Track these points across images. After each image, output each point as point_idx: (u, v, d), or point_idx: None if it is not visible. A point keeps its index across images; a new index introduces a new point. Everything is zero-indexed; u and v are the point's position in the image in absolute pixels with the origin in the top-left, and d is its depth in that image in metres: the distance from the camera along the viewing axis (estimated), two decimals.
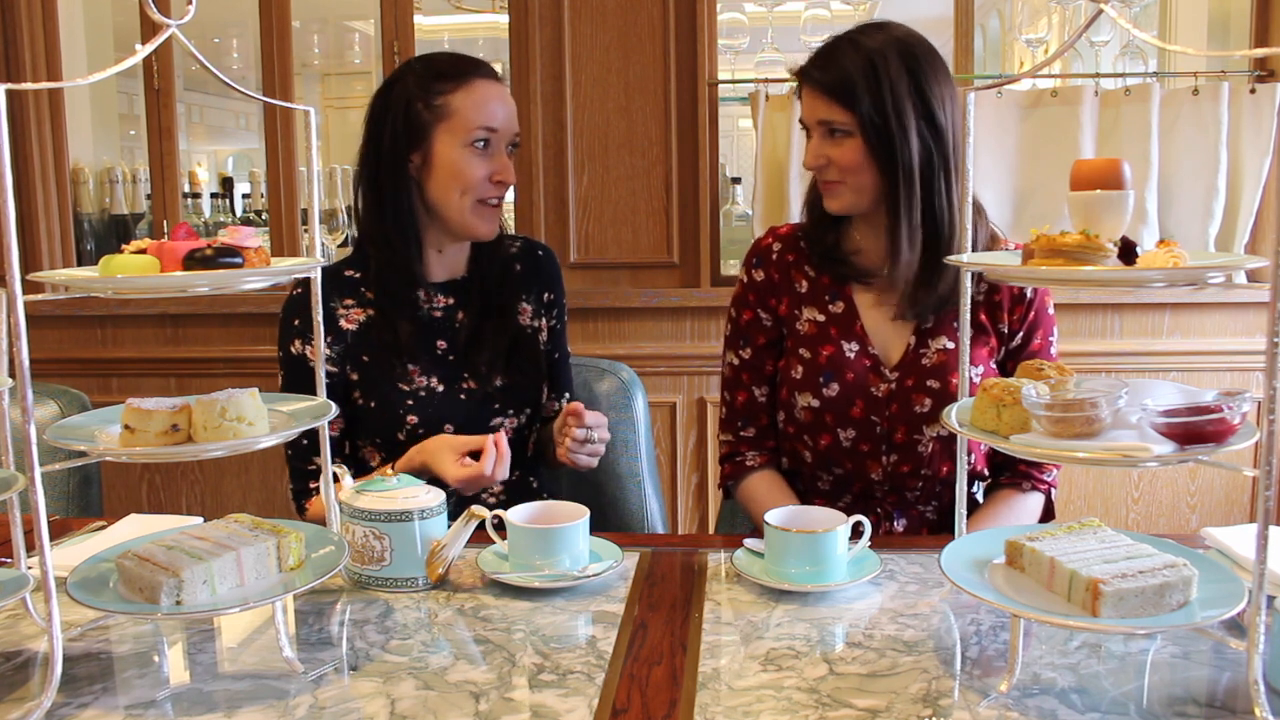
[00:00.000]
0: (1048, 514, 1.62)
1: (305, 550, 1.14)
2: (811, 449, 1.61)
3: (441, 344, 1.64)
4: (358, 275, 1.64)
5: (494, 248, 1.71)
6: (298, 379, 1.59)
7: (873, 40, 1.49)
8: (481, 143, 1.57)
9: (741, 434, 1.67)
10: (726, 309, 1.71)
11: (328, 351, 1.59)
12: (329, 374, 1.59)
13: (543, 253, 1.79)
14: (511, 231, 1.84)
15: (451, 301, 1.67)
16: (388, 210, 1.60)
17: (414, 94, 1.58)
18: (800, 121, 1.56)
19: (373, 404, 1.60)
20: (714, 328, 2.67)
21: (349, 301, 1.63)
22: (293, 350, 1.60)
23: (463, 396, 1.63)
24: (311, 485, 1.61)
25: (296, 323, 1.59)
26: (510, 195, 1.75)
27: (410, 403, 1.59)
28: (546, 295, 1.76)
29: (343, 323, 1.62)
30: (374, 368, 1.60)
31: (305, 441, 1.57)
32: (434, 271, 1.67)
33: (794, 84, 2.63)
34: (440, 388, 1.62)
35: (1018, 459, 1.58)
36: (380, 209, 1.61)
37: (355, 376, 1.61)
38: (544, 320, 1.76)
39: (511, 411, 1.67)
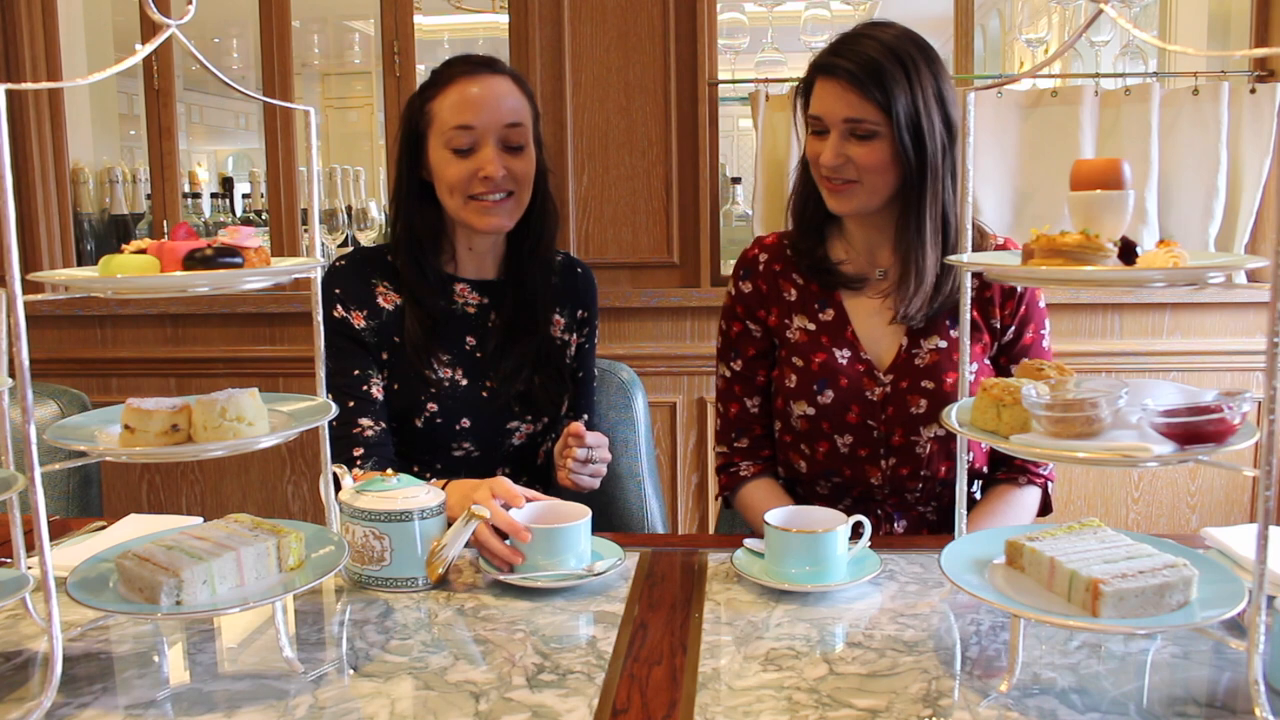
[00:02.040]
0: (1045, 508, 1.62)
1: (305, 550, 1.14)
2: (809, 457, 1.61)
3: (471, 340, 1.66)
4: (395, 262, 1.66)
5: (533, 253, 1.70)
6: (336, 343, 1.60)
7: (889, 36, 1.46)
8: (462, 144, 1.56)
9: (735, 445, 1.67)
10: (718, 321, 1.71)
11: (364, 323, 1.62)
12: (366, 343, 1.62)
13: (581, 270, 1.80)
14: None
15: (486, 301, 1.68)
16: (405, 220, 1.65)
17: (415, 106, 1.62)
18: (813, 117, 1.51)
19: (396, 386, 1.62)
20: (714, 328, 2.65)
21: (387, 283, 1.65)
22: (335, 315, 1.61)
23: (484, 395, 1.64)
24: (356, 452, 1.57)
25: (337, 291, 1.61)
26: None
27: (432, 390, 1.62)
28: (581, 313, 1.77)
29: (380, 300, 1.64)
30: (402, 350, 1.62)
31: (352, 404, 1.57)
32: (466, 267, 1.68)
33: (794, 83, 2.65)
34: (464, 382, 1.63)
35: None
36: (400, 219, 1.65)
37: (385, 356, 1.63)
38: (575, 336, 1.76)
39: (529, 418, 1.68)
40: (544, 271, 1.72)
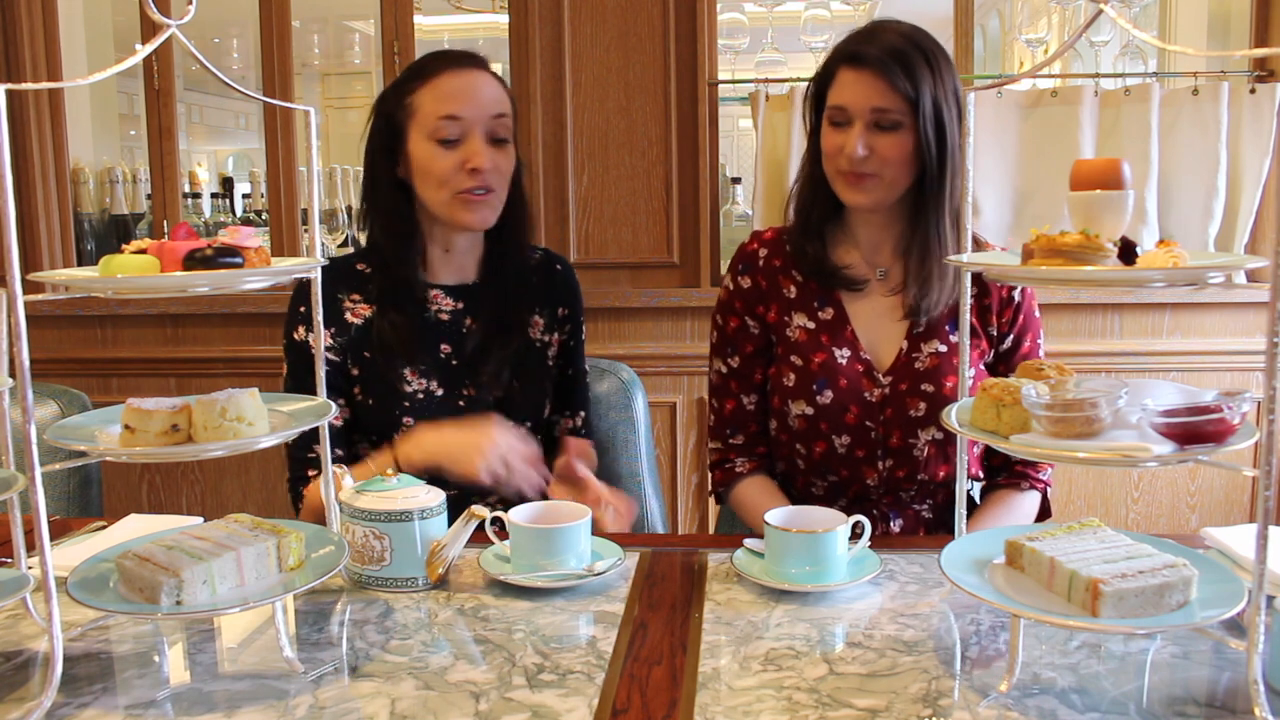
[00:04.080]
0: (1044, 512, 1.63)
1: (305, 550, 1.14)
2: (806, 456, 1.61)
3: (446, 348, 1.63)
4: (368, 270, 1.64)
5: (509, 254, 1.70)
6: (297, 367, 1.60)
7: (906, 29, 1.47)
8: (448, 134, 1.55)
9: (730, 441, 1.66)
10: (711, 315, 1.69)
11: (331, 342, 1.60)
12: (330, 363, 1.60)
13: (561, 267, 1.77)
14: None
15: (460, 306, 1.66)
16: (380, 220, 1.62)
17: (391, 100, 1.60)
18: (836, 108, 1.49)
19: (371, 401, 1.60)
20: None
21: (356, 296, 1.63)
22: (295, 337, 1.60)
23: (461, 403, 1.62)
24: (310, 473, 1.60)
25: (303, 309, 1.59)
26: None
27: (407, 404, 1.59)
28: (561, 310, 1.74)
29: (348, 315, 1.62)
30: (374, 365, 1.60)
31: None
32: (441, 273, 1.66)
33: (794, 83, 2.66)
34: (439, 392, 1.61)
35: (1014, 459, 1.58)
36: (375, 219, 1.63)
37: (356, 371, 1.61)
38: (555, 335, 1.74)
39: (511, 424, 1.66)
40: (520, 272, 1.70)
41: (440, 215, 1.60)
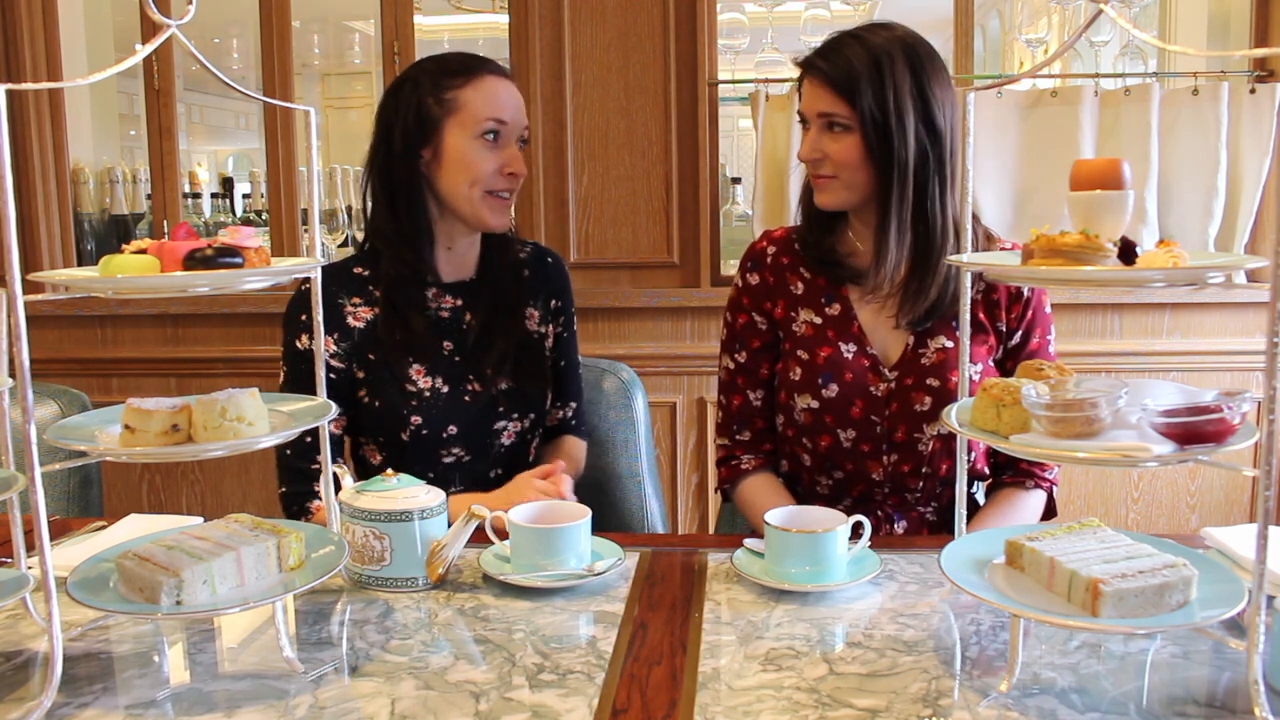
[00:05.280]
0: (1049, 511, 1.63)
1: (305, 550, 1.14)
2: (812, 451, 1.61)
3: (448, 345, 1.64)
4: (366, 273, 1.64)
5: (504, 250, 1.72)
6: (301, 374, 1.59)
7: (878, 38, 1.49)
8: (491, 135, 1.58)
9: (737, 437, 1.67)
10: (722, 312, 1.71)
11: (335, 348, 1.60)
12: (335, 370, 1.60)
13: (551, 260, 1.80)
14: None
15: (459, 303, 1.67)
16: (401, 206, 1.61)
17: (425, 90, 1.59)
18: (799, 113, 1.56)
19: (377, 403, 1.60)
20: (714, 328, 2.68)
21: (357, 299, 1.63)
22: (298, 345, 1.59)
23: (467, 399, 1.63)
24: (315, 487, 1.59)
25: (304, 318, 1.58)
26: None
27: (414, 403, 1.59)
28: (554, 303, 1.77)
29: (350, 320, 1.62)
30: (380, 367, 1.60)
31: (309, 439, 1.53)
32: (443, 270, 1.67)
33: (794, 83, 2.65)
34: (445, 389, 1.62)
35: (1019, 457, 1.58)
36: (393, 206, 1.62)
37: (361, 375, 1.61)
38: (550, 327, 1.76)
39: (515, 415, 1.67)
40: (514, 266, 1.73)
41: (462, 211, 1.60)
